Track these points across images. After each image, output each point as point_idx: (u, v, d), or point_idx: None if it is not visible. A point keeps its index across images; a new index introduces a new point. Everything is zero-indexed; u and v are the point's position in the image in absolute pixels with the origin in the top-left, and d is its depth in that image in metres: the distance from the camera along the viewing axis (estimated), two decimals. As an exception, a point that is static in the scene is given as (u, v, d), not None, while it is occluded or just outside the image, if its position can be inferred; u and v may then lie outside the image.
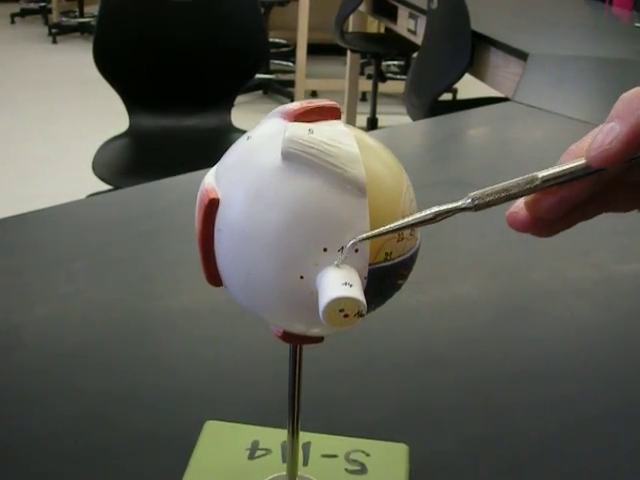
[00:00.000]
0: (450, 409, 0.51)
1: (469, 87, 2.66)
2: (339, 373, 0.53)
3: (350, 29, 3.98)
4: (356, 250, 0.29)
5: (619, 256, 0.74)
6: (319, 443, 0.44)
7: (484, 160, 1.06)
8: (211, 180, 0.32)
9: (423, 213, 0.30)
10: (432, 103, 2.00)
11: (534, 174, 0.31)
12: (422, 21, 2.42)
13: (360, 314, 0.28)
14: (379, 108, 3.63)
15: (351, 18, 3.79)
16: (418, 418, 0.50)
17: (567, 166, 0.31)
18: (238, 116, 1.82)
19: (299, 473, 0.41)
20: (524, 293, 0.66)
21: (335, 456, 0.43)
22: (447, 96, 3.60)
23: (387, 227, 0.29)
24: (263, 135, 0.31)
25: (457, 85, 2.25)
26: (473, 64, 1.96)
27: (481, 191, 0.30)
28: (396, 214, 0.30)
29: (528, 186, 0.31)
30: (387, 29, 3.89)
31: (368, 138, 0.32)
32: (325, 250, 0.29)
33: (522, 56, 1.68)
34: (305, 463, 0.42)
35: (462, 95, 3.64)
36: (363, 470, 0.42)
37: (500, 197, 0.30)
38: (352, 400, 0.51)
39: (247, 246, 0.30)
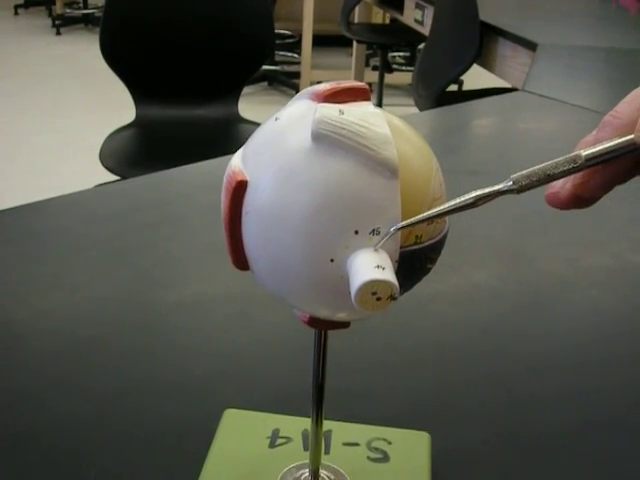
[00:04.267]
0: (470, 400, 0.50)
1: (475, 78, 2.65)
2: (358, 364, 0.53)
3: (356, 20, 3.97)
4: (385, 232, 0.29)
5: (637, 245, 0.73)
6: (340, 431, 0.44)
7: (496, 149, 1.05)
8: (238, 162, 0.31)
9: (464, 197, 0.29)
10: (440, 94, 1.99)
11: (577, 153, 0.30)
12: (429, 11, 2.41)
13: (393, 297, 0.27)
14: (385, 99, 3.62)
15: (357, 9, 3.78)
16: (438, 409, 0.49)
17: (611, 143, 0.30)
18: (243, 107, 1.81)
19: (321, 462, 0.40)
20: (541, 282, 0.66)
21: (357, 444, 0.43)
22: (452, 87, 3.59)
23: (428, 213, 0.29)
24: (292, 116, 0.31)
25: (463, 76, 2.24)
26: (481, 54, 1.95)
27: (522, 173, 0.30)
28: (427, 197, 0.30)
29: (571, 165, 0.30)
30: (392, 19, 3.88)
31: (397, 120, 0.31)
32: (356, 233, 0.28)
33: (531, 46, 1.67)
34: (327, 451, 0.42)
35: (468, 86, 3.62)
36: (385, 458, 0.42)
37: (542, 178, 0.30)
38: (371, 391, 0.50)
39: (276, 229, 0.29)
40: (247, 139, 0.32)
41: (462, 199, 0.29)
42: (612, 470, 0.45)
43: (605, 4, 2.61)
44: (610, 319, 0.61)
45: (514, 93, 1.34)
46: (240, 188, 0.30)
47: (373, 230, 0.28)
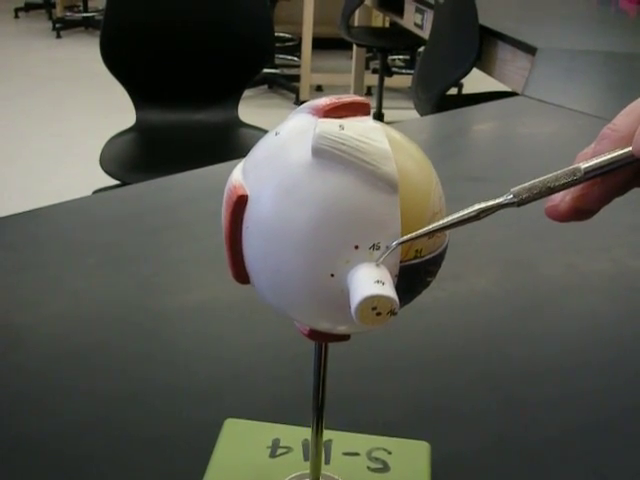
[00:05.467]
0: (470, 406, 0.50)
1: (475, 81, 2.65)
2: (357, 371, 0.53)
3: (356, 23, 3.97)
4: (386, 247, 0.29)
5: (637, 251, 0.73)
6: (340, 441, 0.44)
7: (496, 155, 1.06)
8: (239, 176, 0.31)
9: (466, 211, 0.29)
10: (439, 97, 2.00)
11: (577, 166, 0.30)
12: (429, 15, 2.41)
13: (393, 312, 0.27)
14: (385, 102, 3.62)
15: (357, 12, 3.79)
16: (438, 416, 0.49)
17: (610, 156, 0.31)
18: (243, 110, 1.81)
19: (321, 471, 0.40)
20: (541, 288, 0.66)
21: (357, 454, 0.43)
22: (452, 90, 3.59)
23: (429, 227, 0.29)
24: (292, 131, 0.31)
25: (462, 79, 2.24)
26: (481, 58, 1.96)
27: (523, 186, 0.30)
28: (427, 211, 0.30)
29: (571, 178, 0.30)
30: (392, 23, 3.88)
31: (397, 134, 0.31)
32: (356, 247, 0.28)
33: (530, 50, 1.68)
34: (327, 461, 0.42)
35: (467, 89, 3.63)
36: (385, 468, 0.42)
37: (543, 191, 0.30)
38: (371, 398, 0.51)
39: (276, 244, 0.29)
40: (247, 143, 0.33)
41: (463, 213, 0.30)
42: (612, 472, 0.45)
43: (604, 7, 2.61)
44: (609, 324, 0.61)
45: (514, 98, 1.35)
46: (241, 202, 0.30)
47: (373, 245, 0.28)
